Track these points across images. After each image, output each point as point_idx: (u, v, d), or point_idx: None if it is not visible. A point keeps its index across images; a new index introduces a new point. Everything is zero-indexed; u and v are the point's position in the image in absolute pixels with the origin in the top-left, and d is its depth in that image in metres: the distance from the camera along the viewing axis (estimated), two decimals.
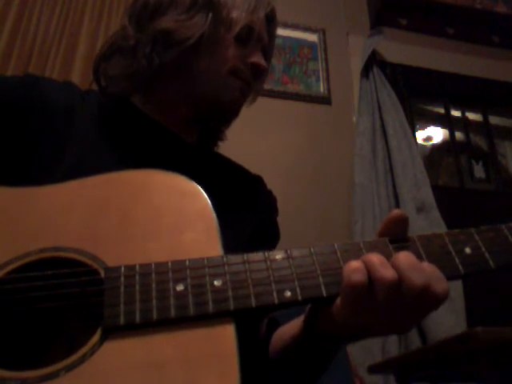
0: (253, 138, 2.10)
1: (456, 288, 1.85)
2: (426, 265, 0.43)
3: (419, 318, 0.45)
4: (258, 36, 0.73)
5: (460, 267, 0.45)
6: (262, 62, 0.73)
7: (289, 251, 0.46)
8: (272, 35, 0.80)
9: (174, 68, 0.70)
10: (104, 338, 0.40)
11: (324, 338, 0.51)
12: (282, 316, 0.67)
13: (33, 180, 0.52)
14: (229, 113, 0.75)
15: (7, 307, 0.43)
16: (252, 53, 0.73)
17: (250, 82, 0.74)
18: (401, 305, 0.42)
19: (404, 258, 0.42)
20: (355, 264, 0.42)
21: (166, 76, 0.71)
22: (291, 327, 0.61)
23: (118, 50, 0.70)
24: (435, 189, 2.13)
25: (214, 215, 0.49)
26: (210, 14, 0.68)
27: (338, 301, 0.44)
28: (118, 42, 0.70)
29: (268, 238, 0.77)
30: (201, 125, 0.77)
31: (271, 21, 0.78)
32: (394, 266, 0.42)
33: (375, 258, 0.42)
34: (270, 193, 0.84)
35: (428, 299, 0.42)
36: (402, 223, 0.47)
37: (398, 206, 2.04)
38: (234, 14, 0.70)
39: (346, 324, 0.45)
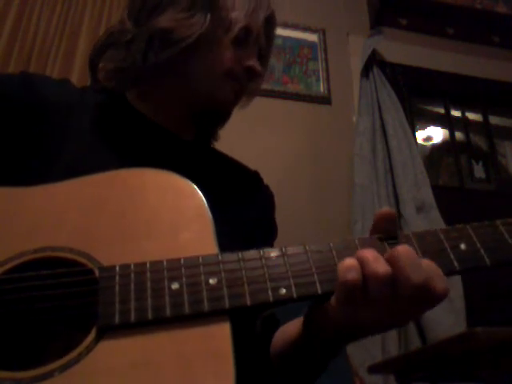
0: (253, 138, 2.10)
1: (456, 288, 1.85)
2: (425, 262, 0.42)
3: (416, 314, 0.44)
4: (256, 38, 0.73)
5: (455, 263, 0.45)
6: (258, 66, 0.73)
7: (284, 249, 0.46)
8: (270, 38, 0.79)
9: (169, 66, 0.69)
10: (99, 337, 0.40)
11: (321, 339, 0.51)
12: (279, 312, 0.67)
13: (31, 178, 0.52)
14: (221, 113, 0.75)
15: (2, 307, 0.43)
16: (248, 56, 0.73)
17: (244, 85, 0.74)
18: (395, 300, 0.42)
19: (403, 252, 0.42)
20: (349, 262, 0.42)
21: (160, 74, 0.70)
22: (291, 328, 0.60)
23: (113, 44, 0.70)
24: (435, 189, 2.13)
25: (209, 214, 0.49)
26: (209, 15, 0.68)
27: (333, 299, 0.44)
28: (114, 35, 0.70)
29: (266, 235, 0.77)
30: (195, 124, 0.77)
31: (270, 24, 0.78)
32: (392, 260, 0.42)
33: (368, 254, 0.42)
34: (267, 188, 0.84)
35: (425, 297, 0.41)
36: (390, 220, 0.47)
37: (397, 206, 2.04)
38: (233, 16, 0.70)
39: (341, 322, 0.45)
